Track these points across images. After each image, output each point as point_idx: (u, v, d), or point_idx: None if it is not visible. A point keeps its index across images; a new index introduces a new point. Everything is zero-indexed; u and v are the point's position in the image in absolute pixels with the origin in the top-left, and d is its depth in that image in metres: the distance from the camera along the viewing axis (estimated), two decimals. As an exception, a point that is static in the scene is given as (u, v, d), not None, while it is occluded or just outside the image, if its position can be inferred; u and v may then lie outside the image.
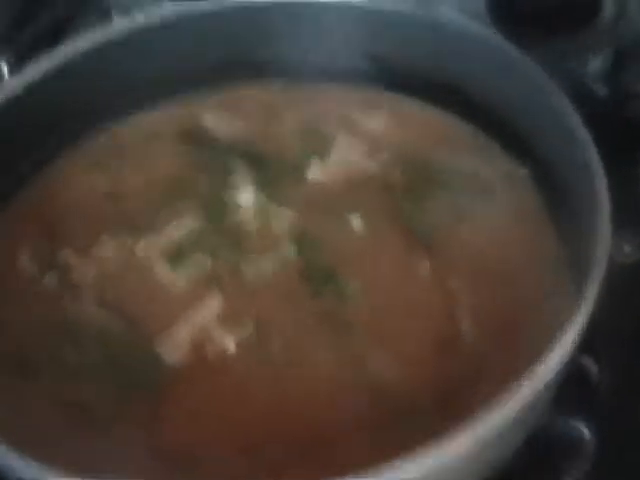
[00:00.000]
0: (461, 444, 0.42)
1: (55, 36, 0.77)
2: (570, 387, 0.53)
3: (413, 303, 0.57)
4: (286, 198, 0.63)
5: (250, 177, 0.64)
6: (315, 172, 0.65)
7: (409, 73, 0.68)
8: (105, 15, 0.84)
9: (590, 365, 0.59)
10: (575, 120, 0.56)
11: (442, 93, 0.67)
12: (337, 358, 0.54)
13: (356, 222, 0.61)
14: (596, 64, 0.76)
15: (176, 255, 0.59)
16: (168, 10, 0.68)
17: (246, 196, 0.63)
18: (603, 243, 0.49)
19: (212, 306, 0.57)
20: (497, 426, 0.43)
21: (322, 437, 0.50)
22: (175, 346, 0.55)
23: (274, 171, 0.65)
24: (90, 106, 0.66)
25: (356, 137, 0.67)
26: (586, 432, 0.57)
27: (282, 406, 0.52)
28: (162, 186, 0.64)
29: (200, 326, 0.56)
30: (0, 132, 0.61)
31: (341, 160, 0.65)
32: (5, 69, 0.78)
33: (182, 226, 0.61)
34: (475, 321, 0.55)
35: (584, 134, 0.55)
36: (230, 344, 0.55)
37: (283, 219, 0.61)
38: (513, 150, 0.64)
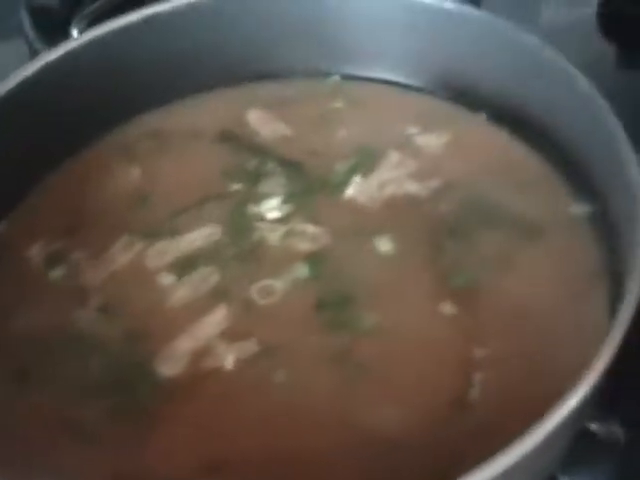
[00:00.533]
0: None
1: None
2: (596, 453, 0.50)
3: (429, 352, 0.51)
4: (315, 214, 0.58)
5: (281, 186, 0.60)
6: (354, 190, 0.59)
7: (480, 89, 0.63)
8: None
9: (618, 432, 0.52)
10: (626, 153, 0.50)
11: (509, 114, 0.62)
12: (338, 401, 0.49)
13: (385, 249, 0.56)
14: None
15: (183, 266, 0.56)
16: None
17: (272, 205, 0.59)
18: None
19: (217, 321, 0.53)
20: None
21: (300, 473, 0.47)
22: (175, 360, 0.52)
23: (310, 183, 0.60)
24: (134, 92, 0.64)
25: (408, 156, 0.61)
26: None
27: (268, 437, 0.48)
28: (190, 188, 0.60)
29: (203, 340, 0.52)
30: (35, 110, 0.60)
31: (385, 180, 0.60)
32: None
33: (199, 236, 0.58)
34: (489, 375, 0.49)
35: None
36: (229, 360, 0.51)
37: (305, 236, 0.57)
38: (575, 188, 0.58)
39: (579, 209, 0.57)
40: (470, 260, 0.55)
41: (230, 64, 0.66)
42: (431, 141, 0.62)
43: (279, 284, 0.54)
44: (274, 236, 0.57)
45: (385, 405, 0.49)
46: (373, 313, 0.53)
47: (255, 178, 0.61)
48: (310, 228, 0.57)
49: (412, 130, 0.62)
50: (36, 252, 0.58)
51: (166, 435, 0.49)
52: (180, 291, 0.55)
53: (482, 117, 0.63)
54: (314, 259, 0.56)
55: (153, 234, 0.58)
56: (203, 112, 0.65)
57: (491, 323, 0.51)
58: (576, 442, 0.47)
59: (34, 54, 0.75)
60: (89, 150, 0.63)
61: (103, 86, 0.63)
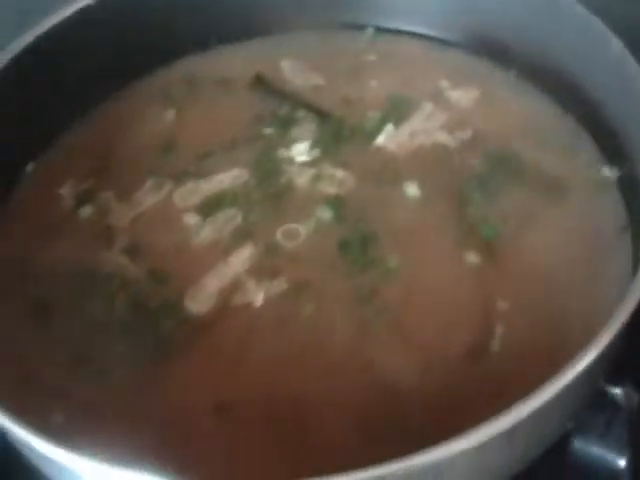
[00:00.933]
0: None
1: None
2: (612, 416, 0.49)
3: (452, 301, 0.51)
4: (344, 159, 0.58)
5: (311, 132, 0.60)
6: (385, 138, 0.60)
7: (509, 45, 0.63)
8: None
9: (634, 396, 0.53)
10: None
11: (541, 72, 0.61)
12: (358, 344, 0.50)
13: (412, 193, 0.56)
14: None
15: (209, 207, 0.56)
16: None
17: (301, 149, 0.59)
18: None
19: (243, 259, 0.54)
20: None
21: (308, 414, 0.47)
22: (204, 298, 0.52)
23: (340, 130, 0.60)
24: (168, 37, 0.64)
25: (440, 108, 0.61)
26: (622, 464, 0.51)
27: (282, 376, 0.49)
28: (221, 132, 0.60)
29: (231, 277, 0.53)
30: (74, 50, 0.60)
31: (417, 130, 0.60)
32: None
33: (226, 178, 0.58)
34: (509, 327, 0.50)
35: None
36: (259, 297, 0.52)
37: (333, 180, 0.57)
38: (605, 150, 0.58)
39: (606, 171, 0.57)
40: (496, 213, 0.55)
41: (266, 14, 0.67)
42: (462, 95, 0.62)
43: (303, 228, 0.55)
44: (301, 179, 0.58)
45: (403, 352, 0.49)
46: (397, 254, 0.53)
47: (285, 123, 0.61)
48: (338, 172, 0.58)
49: (444, 84, 0.63)
50: (67, 191, 0.58)
51: (184, 372, 0.49)
52: (205, 231, 0.55)
53: (513, 74, 0.63)
54: (338, 202, 0.56)
55: (181, 175, 0.58)
56: (238, 59, 0.66)
57: (514, 277, 0.52)
58: (590, 404, 0.48)
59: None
60: (125, 93, 0.64)
61: (143, 29, 0.63)
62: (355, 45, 0.66)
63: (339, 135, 0.60)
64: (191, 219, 0.56)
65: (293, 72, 0.64)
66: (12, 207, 0.58)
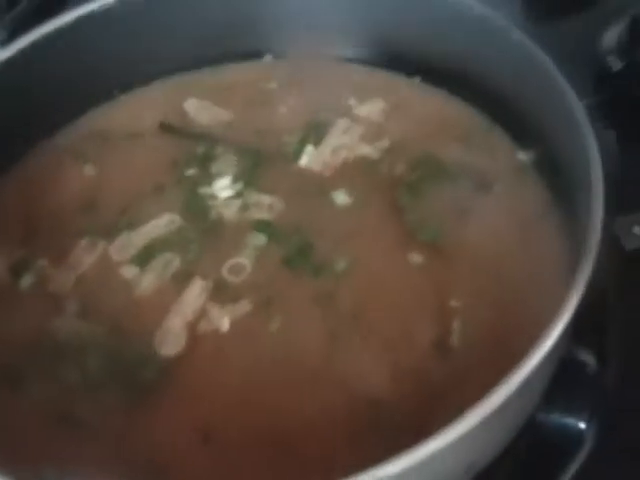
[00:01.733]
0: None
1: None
2: (569, 383, 0.51)
3: (407, 301, 0.54)
4: (269, 186, 0.60)
5: (230, 166, 0.61)
6: (308, 159, 0.62)
7: (409, 53, 0.65)
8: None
9: (589, 360, 0.55)
10: (571, 97, 0.53)
11: (445, 74, 0.64)
12: (325, 354, 0.52)
13: (342, 201, 0.59)
14: (611, 37, 0.71)
15: (145, 256, 0.57)
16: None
17: (224, 184, 0.60)
18: (595, 218, 0.46)
19: (196, 294, 0.55)
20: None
21: (292, 430, 0.49)
22: (173, 339, 0.53)
23: (260, 159, 0.62)
24: (71, 89, 0.64)
25: (355, 122, 0.63)
26: (584, 427, 0.54)
27: (263, 391, 0.51)
28: (141, 181, 0.61)
29: (192, 312, 0.54)
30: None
31: (337, 146, 0.62)
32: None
33: (157, 225, 0.59)
34: (466, 321, 0.52)
35: (579, 112, 0.52)
36: (224, 322, 0.54)
37: (260, 207, 0.59)
38: (517, 136, 0.61)
39: (523, 156, 0.60)
40: (428, 214, 0.57)
41: (165, 56, 0.67)
42: (373, 108, 0.64)
43: (245, 259, 0.56)
44: (229, 212, 0.59)
45: (371, 356, 0.52)
46: (342, 258, 0.56)
47: (204, 161, 0.62)
48: (264, 198, 0.60)
49: (352, 99, 0.65)
50: (2, 268, 0.58)
51: (167, 414, 0.50)
52: (148, 279, 0.56)
53: (417, 80, 0.65)
54: (267, 225, 0.58)
55: (112, 231, 0.59)
56: (143, 107, 0.66)
57: (459, 272, 0.54)
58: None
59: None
60: (35, 155, 0.64)
61: (43, 90, 0.63)
62: (255, 74, 0.67)
63: (259, 164, 0.61)
64: (130, 271, 0.57)
65: (198, 111, 0.65)
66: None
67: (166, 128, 0.64)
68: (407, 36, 0.64)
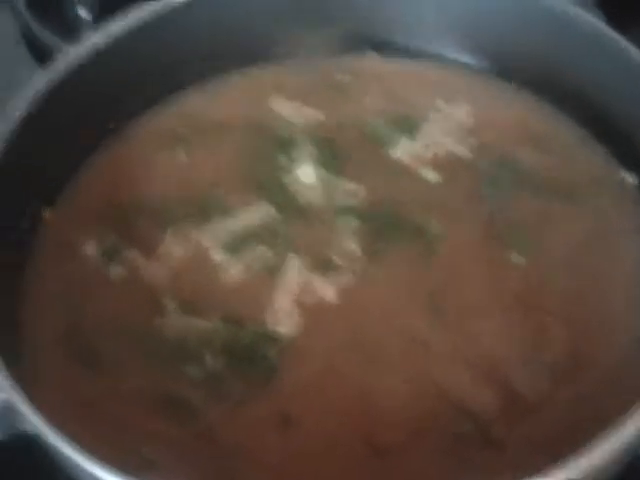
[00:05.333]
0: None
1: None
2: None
3: (499, 301, 0.55)
4: (354, 173, 0.61)
5: (311, 154, 0.62)
6: (400, 151, 0.63)
7: (503, 56, 0.66)
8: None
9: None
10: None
11: (539, 80, 0.64)
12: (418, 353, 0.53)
13: (431, 176, 0.61)
14: None
15: (237, 243, 0.58)
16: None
17: (305, 171, 0.62)
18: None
19: (295, 268, 0.57)
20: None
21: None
22: (285, 316, 0.55)
23: (342, 148, 0.63)
24: (159, 73, 0.65)
25: (447, 120, 0.64)
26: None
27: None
28: (230, 171, 0.62)
29: (296, 287, 0.56)
30: (74, 95, 0.59)
31: (428, 141, 0.63)
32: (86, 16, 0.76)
33: (249, 213, 0.60)
34: (556, 332, 0.53)
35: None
36: (329, 292, 0.56)
37: (346, 192, 0.60)
38: (614, 152, 0.61)
39: (626, 176, 0.61)
40: (517, 214, 0.59)
41: (258, 44, 0.67)
42: (464, 109, 0.65)
43: (340, 242, 0.58)
44: (315, 198, 0.61)
45: (460, 363, 0.53)
46: (436, 223, 0.58)
47: (286, 150, 0.63)
48: (349, 185, 0.61)
49: (443, 99, 0.65)
50: (91, 249, 0.58)
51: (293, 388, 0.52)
52: (241, 265, 0.57)
53: (514, 86, 0.66)
54: (354, 208, 0.60)
55: (203, 218, 0.59)
56: (230, 97, 0.67)
57: (550, 276, 0.56)
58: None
59: (27, 30, 0.76)
60: (125, 136, 0.64)
61: (139, 69, 0.64)
62: (342, 68, 0.68)
63: (342, 152, 0.63)
64: (223, 257, 0.57)
65: (284, 108, 0.66)
66: (36, 266, 0.58)
67: (256, 124, 0.65)
68: (509, 42, 0.65)
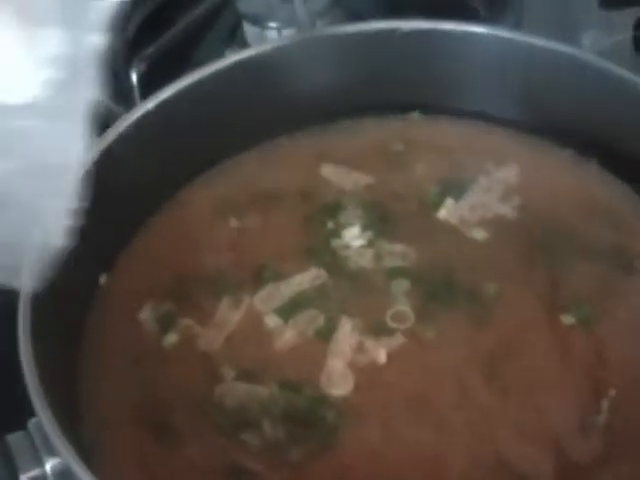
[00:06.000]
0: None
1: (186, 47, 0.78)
2: None
3: (554, 366, 0.55)
4: (401, 234, 0.62)
5: (358, 217, 0.64)
6: (446, 212, 0.64)
7: (550, 115, 0.66)
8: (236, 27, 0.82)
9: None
10: None
11: (593, 145, 0.65)
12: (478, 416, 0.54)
13: (480, 235, 0.62)
14: None
15: (289, 308, 0.59)
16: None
17: (353, 234, 0.63)
18: None
19: (348, 331, 0.57)
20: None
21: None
22: (340, 379, 0.55)
23: (388, 210, 0.64)
24: (210, 138, 0.66)
25: (494, 183, 0.65)
26: None
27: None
28: (282, 238, 0.63)
29: (350, 346, 0.57)
30: (129, 161, 0.61)
31: (476, 203, 0.64)
32: (134, 78, 0.76)
33: (302, 279, 0.60)
34: (617, 404, 0.53)
35: None
36: (381, 355, 0.56)
37: (395, 255, 0.61)
38: None
39: None
40: (571, 281, 0.59)
41: (306, 106, 0.68)
42: (513, 171, 0.66)
43: (395, 306, 0.59)
44: (365, 261, 0.61)
45: (517, 432, 0.53)
46: (490, 283, 0.59)
47: (333, 213, 0.64)
48: (397, 247, 0.62)
49: (492, 161, 0.66)
50: (146, 315, 0.59)
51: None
52: (293, 331, 0.58)
53: (566, 149, 0.66)
54: (405, 270, 0.60)
55: (256, 285, 0.60)
56: (279, 164, 0.68)
57: (610, 346, 0.56)
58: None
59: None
60: (181, 201, 0.66)
61: (191, 134, 0.65)
62: (389, 131, 0.69)
63: (388, 214, 0.64)
64: (276, 322, 0.58)
65: (336, 176, 0.67)
66: (94, 333, 0.58)
67: (306, 192, 0.66)
68: (563, 105, 0.65)
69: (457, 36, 0.66)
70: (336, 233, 0.63)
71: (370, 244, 0.62)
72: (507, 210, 0.63)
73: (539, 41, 0.64)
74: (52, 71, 0.37)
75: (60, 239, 0.44)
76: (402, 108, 0.69)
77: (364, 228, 0.63)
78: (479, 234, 0.62)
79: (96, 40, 0.39)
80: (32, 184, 0.41)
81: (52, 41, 0.37)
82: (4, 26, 0.36)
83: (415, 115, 0.70)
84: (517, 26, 0.78)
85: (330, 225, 0.63)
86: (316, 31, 0.70)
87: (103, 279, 0.61)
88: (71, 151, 0.41)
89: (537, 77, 0.65)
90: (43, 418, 0.48)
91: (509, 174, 0.65)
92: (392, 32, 0.66)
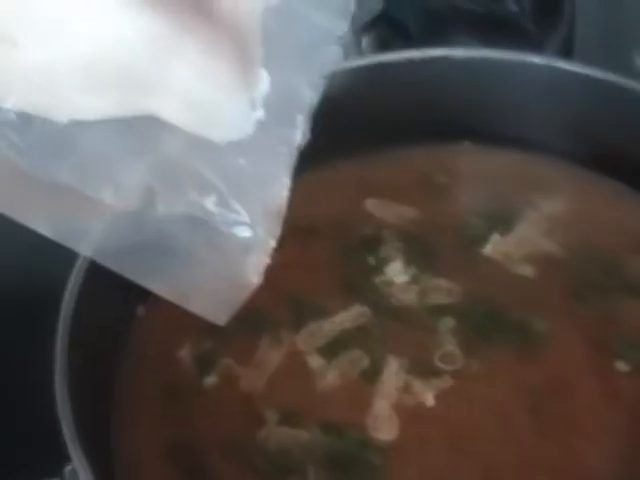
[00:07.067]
0: None
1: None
2: None
3: (604, 410, 0.54)
4: (445, 270, 0.61)
5: (399, 251, 0.62)
6: (492, 247, 0.62)
7: (600, 146, 0.64)
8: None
9: None
10: None
11: (637, 173, 0.63)
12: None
13: (527, 271, 0.60)
14: None
15: (333, 348, 0.58)
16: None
17: (395, 269, 0.61)
18: None
19: (394, 370, 0.56)
20: None
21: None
22: (385, 423, 0.54)
23: (431, 245, 0.62)
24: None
25: (541, 217, 0.63)
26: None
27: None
28: (323, 275, 0.61)
29: (396, 388, 0.56)
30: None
31: (522, 238, 0.62)
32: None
33: (345, 317, 0.59)
34: None
35: None
36: (429, 397, 0.55)
37: (439, 291, 0.60)
38: None
39: None
40: (621, 325, 0.57)
41: (348, 133, 0.66)
42: (560, 205, 0.64)
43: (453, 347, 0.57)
44: (409, 298, 0.60)
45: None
46: (539, 319, 0.58)
47: (374, 248, 0.62)
48: (442, 282, 0.60)
49: (539, 193, 0.64)
50: (186, 354, 0.58)
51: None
52: (337, 371, 0.56)
53: (616, 183, 0.65)
54: (451, 307, 0.59)
55: (297, 323, 0.59)
56: (316, 196, 0.65)
57: None
58: None
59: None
60: None
61: None
62: (435, 161, 0.67)
63: (431, 249, 0.62)
64: (319, 362, 0.57)
65: (382, 209, 0.65)
66: (131, 368, 0.57)
67: (346, 224, 0.64)
68: (616, 137, 0.64)
69: (509, 65, 0.64)
70: (378, 268, 0.61)
71: (414, 280, 0.61)
72: (554, 245, 0.62)
73: (592, 72, 0.62)
74: (264, 112, 0.40)
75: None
76: (449, 137, 0.67)
77: (407, 263, 0.61)
78: (525, 270, 0.61)
79: (310, 89, 0.41)
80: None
81: (267, 83, 0.39)
82: (227, 65, 0.38)
83: (463, 145, 0.68)
84: (568, 44, 0.77)
85: (371, 260, 0.62)
86: (363, 59, 0.69)
87: (141, 310, 0.60)
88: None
89: (588, 107, 0.63)
90: (78, 467, 0.47)
91: (557, 207, 0.64)
92: (443, 60, 0.64)
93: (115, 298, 0.56)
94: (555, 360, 0.56)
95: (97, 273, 0.52)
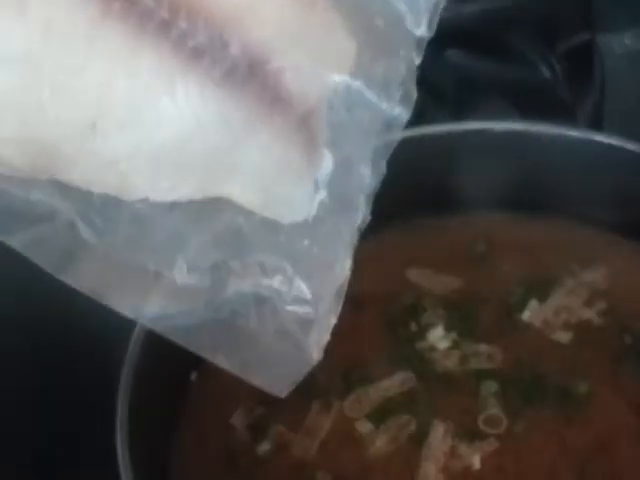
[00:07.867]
0: None
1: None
2: None
3: None
4: (485, 336, 0.62)
5: (440, 317, 0.64)
6: (530, 314, 0.63)
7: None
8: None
9: None
10: None
11: None
12: None
13: (565, 338, 0.61)
14: None
15: (379, 414, 0.59)
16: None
17: (436, 335, 0.63)
18: None
19: (440, 435, 0.58)
20: None
21: None
22: None
23: (471, 311, 0.64)
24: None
25: (579, 285, 0.65)
26: None
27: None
28: (368, 343, 0.63)
29: (444, 453, 0.57)
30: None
31: (560, 306, 0.64)
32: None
33: (391, 383, 0.61)
34: None
35: None
36: (475, 460, 0.56)
37: (480, 356, 0.61)
38: None
39: None
40: None
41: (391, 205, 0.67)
42: (597, 273, 0.66)
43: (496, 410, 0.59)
44: (452, 363, 0.62)
45: None
46: (580, 383, 0.59)
47: (414, 314, 0.64)
48: (482, 347, 0.62)
49: (576, 261, 0.66)
50: (238, 420, 0.60)
51: None
52: (385, 437, 0.58)
53: None
54: (493, 372, 0.60)
55: (344, 389, 0.60)
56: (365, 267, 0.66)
57: None
58: None
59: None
60: None
61: None
62: (474, 230, 0.69)
63: (471, 315, 0.64)
64: (367, 427, 0.58)
65: (424, 279, 0.67)
66: (183, 426, 0.59)
67: (391, 299, 0.66)
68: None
69: (548, 137, 0.66)
70: (420, 335, 0.63)
71: (455, 345, 0.62)
72: (593, 315, 0.63)
73: (629, 145, 0.64)
74: (326, 193, 0.39)
75: None
76: (486, 206, 0.69)
77: (448, 329, 0.63)
78: (563, 337, 0.62)
79: (371, 170, 0.41)
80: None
81: (330, 164, 0.39)
82: (297, 149, 0.38)
83: (501, 213, 0.69)
84: (598, 109, 0.79)
85: (413, 327, 0.64)
86: (404, 131, 0.69)
87: (194, 376, 0.61)
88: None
89: (626, 177, 0.65)
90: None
91: (596, 276, 0.65)
92: (483, 132, 0.66)
93: (171, 366, 0.57)
94: (598, 422, 0.58)
95: (154, 343, 0.55)
